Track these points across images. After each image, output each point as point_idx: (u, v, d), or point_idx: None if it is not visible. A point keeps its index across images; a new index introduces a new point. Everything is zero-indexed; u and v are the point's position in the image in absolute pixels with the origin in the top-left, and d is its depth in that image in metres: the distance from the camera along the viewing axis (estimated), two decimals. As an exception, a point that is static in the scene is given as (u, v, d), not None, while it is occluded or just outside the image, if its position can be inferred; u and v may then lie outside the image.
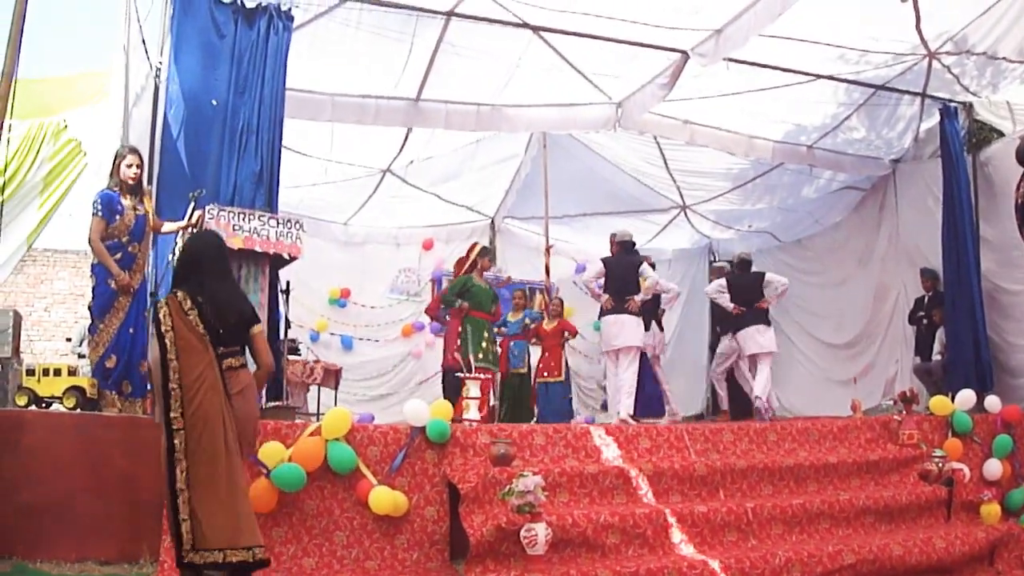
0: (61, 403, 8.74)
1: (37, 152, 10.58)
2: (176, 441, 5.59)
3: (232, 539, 5.56)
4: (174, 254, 8.81)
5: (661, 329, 13.87)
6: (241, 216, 8.22)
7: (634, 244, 12.26)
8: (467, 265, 11.97)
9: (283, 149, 9.79)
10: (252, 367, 6.42)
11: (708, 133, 13.55)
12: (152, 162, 9.26)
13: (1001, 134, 12.64)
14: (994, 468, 10.07)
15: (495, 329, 12.49)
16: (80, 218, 9.75)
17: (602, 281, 11.85)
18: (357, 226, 17.23)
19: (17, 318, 9.44)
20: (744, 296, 12.53)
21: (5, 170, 9.91)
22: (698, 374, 17.49)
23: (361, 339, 16.90)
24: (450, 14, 10.77)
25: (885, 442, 10.13)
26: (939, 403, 10.44)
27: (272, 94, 9.48)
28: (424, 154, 14.89)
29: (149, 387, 7.70)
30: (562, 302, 13.90)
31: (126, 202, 8.46)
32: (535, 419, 12.21)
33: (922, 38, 11.23)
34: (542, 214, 15.24)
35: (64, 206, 11.05)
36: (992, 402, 10.61)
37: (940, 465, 9.52)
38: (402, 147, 14.38)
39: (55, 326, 21.00)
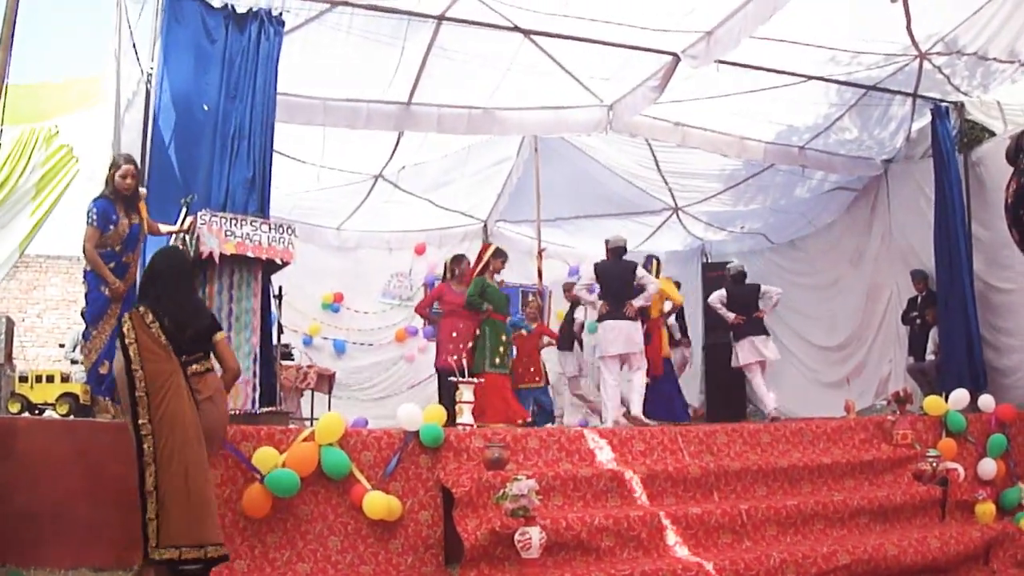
0: (54, 410, 8.72)
1: (29, 158, 10.54)
2: (145, 446, 5.80)
3: (194, 537, 5.78)
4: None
5: None
6: (233, 221, 8.21)
7: (626, 250, 12.23)
8: (481, 266, 11.89)
9: (276, 154, 9.78)
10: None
11: (699, 135, 13.56)
12: (144, 168, 9.23)
13: (992, 134, 12.68)
14: (988, 467, 10.09)
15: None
16: (73, 224, 9.74)
17: (596, 287, 11.91)
18: (349, 231, 17.23)
19: (10, 324, 9.41)
20: (742, 307, 12.82)
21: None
22: (692, 374, 17.46)
23: (354, 343, 16.89)
24: (441, 18, 10.76)
25: (879, 442, 10.14)
26: (933, 403, 10.46)
27: (264, 99, 9.46)
28: (416, 159, 14.88)
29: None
30: (540, 306, 13.93)
31: (120, 211, 8.42)
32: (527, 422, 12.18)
33: (913, 39, 11.25)
34: (534, 217, 15.24)
35: (57, 212, 11.03)
36: (986, 401, 10.62)
37: (934, 465, 9.53)
38: (393, 152, 14.37)
39: (48, 332, 20.97)
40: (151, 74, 9.56)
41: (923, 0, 10.42)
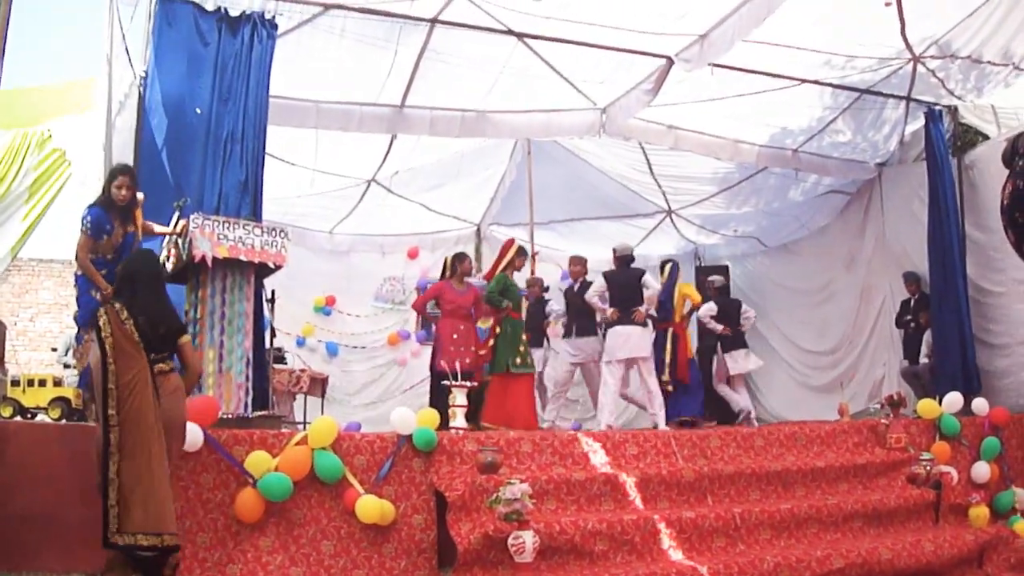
0: (46, 414, 8.73)
1: (22, 162, 10.53)
2: (112, 436, 5.96)
3: (152, 525, 5.97)
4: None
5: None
6: (226, 225, 8.19)
7: (633, 258, 12.35)
8: (504, 264, 11.81)
9: (269, 158, 9.77)
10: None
11: (693, 138, 13.55)
12: (136, 171, 9.21)
13: (986, 137, 12.68)
14: (982, 471, 10.10)
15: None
16: (65, 228, 9.73)
17: (606, 295, 11.94)
18: (342, 235, 17.20)
19: (1, 328, 9.41)
20: (727, 319, 13.29)
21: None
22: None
23: (346, 346, 16.87)
24: (434, 21, 10.75)
25: (873, 446, 10.16)
26: (926, 406, 10.48)
27: (256, 102, 9.46)
28: (408, 163, 14.86)
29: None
30: None
31: (115, 221, 8.38)
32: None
33: (907, 42, 11.25)
34: (528, 220, 15.23)
35: (49, 216, 11.02)
36: (979, 405, 10.64)
37: (928, 468, 9.54)
38: (385, 156, 14.36)
39: (40, 336, 20.91)
40: (144, 77, 9.53)
41: (917, 3, 10.42)
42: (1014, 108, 12.48)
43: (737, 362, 13.22)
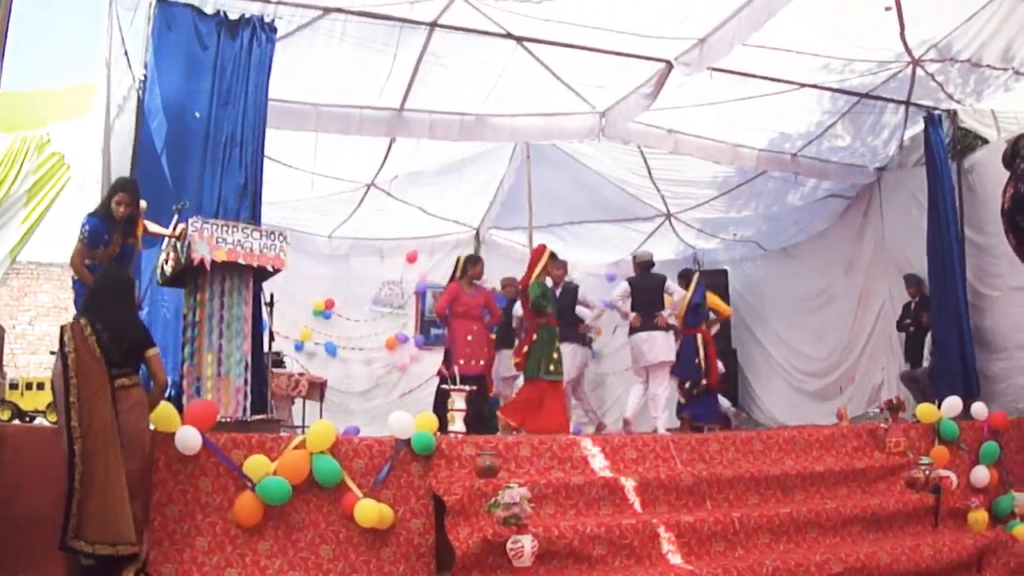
0: (44, 417, 8.72)
1: (20, 166, 10.52)
2: (75, 447, 6.28)
3: (108, 535, 6.27)
4: (157, 269, 8.81)
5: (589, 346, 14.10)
6: (225, 228, 8.16)
7: (654, 263, 12.62)
8: (539, 270, 11.78)
9: (268, 162, 9.77)
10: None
11: (692, 142, 13.55)
12: (134, 174, 9.21)
13: (986, 141, 12.68)
14: (981, 475, 10.08)
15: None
16: (64, 231, 9.74)
17: (628, 301, 12.16)
18: (341, 239, 17.18)
19: (0, 331, 9.40)
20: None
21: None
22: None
23: (345, 348, 16.84)
24: (434, 25, 10.75)
25: (872, 450, 10.14)
26: (925, 410, 10.46)
27: (256, 106, 9.45)
28: (408, 167, 14.85)
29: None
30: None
31: (114, 232, 8.36)
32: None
33: (906, 46, 11.25)
34: (526, 224, 15.23)
35: (48, 219, 11.01)
36: (978, 409, 10.62)
37: (927, 473, 9.53)
38: (384, 159, 14.34)
39: (39, 339, 20.89)
40: (143, 81, 9.53)
41: (916, 6, 10.41)
42: (1014, 112, 12.46)
43: None
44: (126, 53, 9.94)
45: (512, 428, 10.78)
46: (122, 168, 9.36)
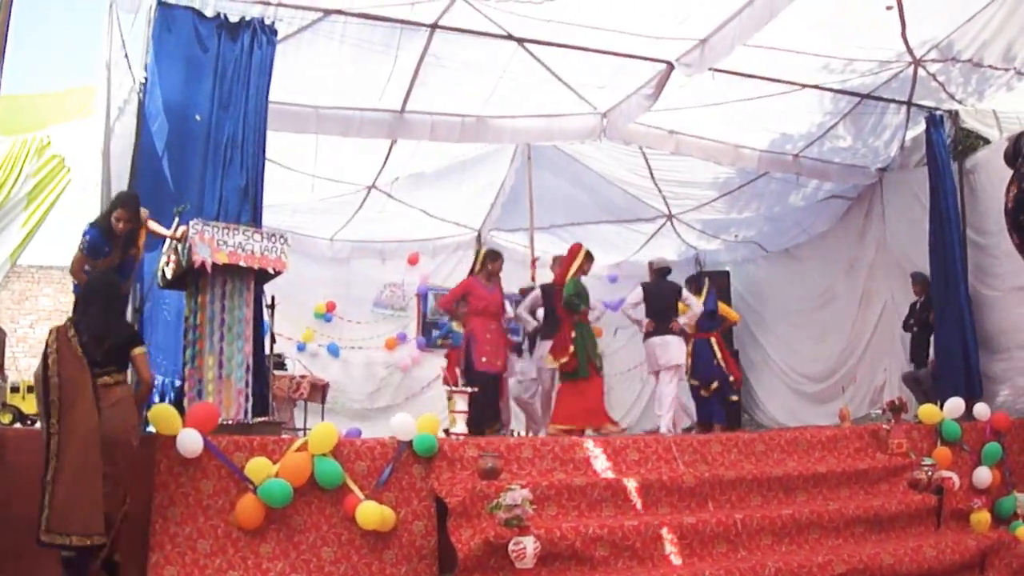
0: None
1: (21, 168, 10.52)
2: (52, 444, 6.46)
3: (79, 527, 6.40)
4: (158, 272, 8.81)
5: None
6: (226, 231, 8.16)
7: (670, 270, 12.83)
8: (575, 268, 11.76)
9: (269, 164, 9.76)
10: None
11: (693, 143, 13.55)
12: (135, 177, 9.21)
13: (987, 141, 12.66)
14: (983, 476, 10.07)
15: (440, 340, 12.61)
16: (64, 234, 9.75)
17: (642, 307, 12.30)
18: (342, 242, 17.16)
19: (1, 335, 9.39)
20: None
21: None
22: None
23: (347, 348, 16.83)
24: (434, 26, 10.74)
25: (874, 451, 10.12)
26: (928, 411, 10.45)
27: (256, 108, 9.45)
28: (409, 168, 14.84)
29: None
30: None
31: (114, 246, 8.37)
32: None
33: (907, 46, 11.23)
34: (528, 226, 15.22)
35: (48, 222, 11.01)
36: (981, 410, 10.60)
37: (929, 473, 9.52)
38: (385, 161, 14.32)
39: (40, 343, 20.75)
40: (143, 83, 9.52)
41: (918, 6, 10.39)
42: (1016, 112, 12.44)
43: None
44: (126, 55, 9.94)
45: (566, 431, 10.81)
46: (123, 170, 9.37)
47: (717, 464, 9.27)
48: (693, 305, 12.34)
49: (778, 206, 16.03)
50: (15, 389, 9.05)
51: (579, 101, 12.66)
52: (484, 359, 11.19)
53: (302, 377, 13.24)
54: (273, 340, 9.95)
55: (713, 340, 13.20)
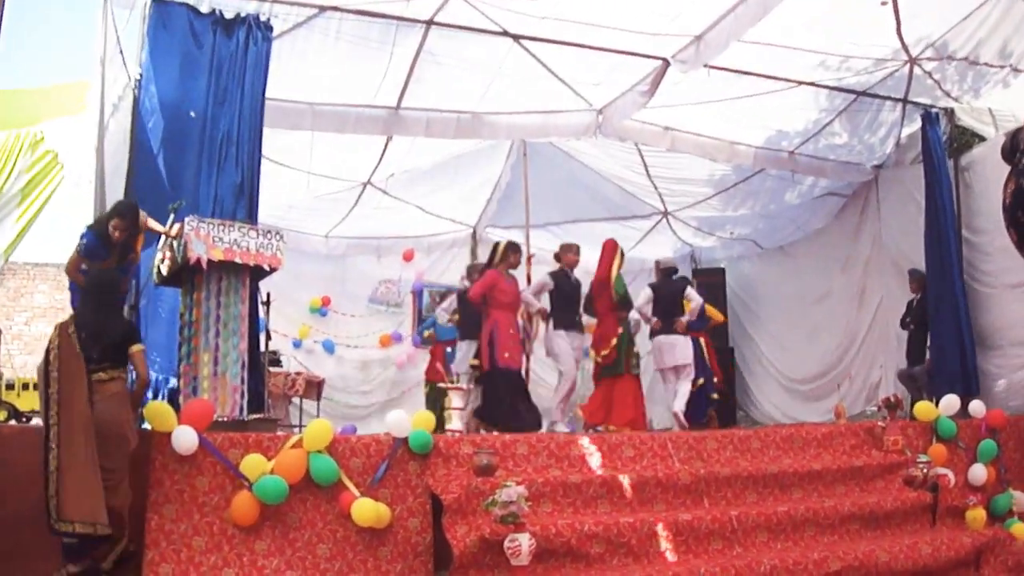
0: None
1: (14, 164, 10.50)
2: (51, 434, 6.56)
3: (85, 515, 6.52)
4: (153, 269, 8.80)
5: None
6: (221, 228, 8.15)
7: (676, 270, 13.04)
8: (615, 267, 11.77)
9: (264, 161, 9.74)
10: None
11: (689, 139, 13.54)
12: (130, 174, 9.20)
13: (983, 139, 12.66)
14: (979, 473, 10.07)
15: (427, 332, 12.59)
16: (59, 231, 9.74)
17: (650, 305, 12.43)
18: (337, 238, 17.19)
19: (-4, 332, 9.39)
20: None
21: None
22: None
23: (342, 344, 16.83)
24: (430, 23, 10.73)
25: (870, 448, 10.12)
26: (923, 408, 10.46)
27: (252, 105, 9.44)
28: (404, 165, 14.82)
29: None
30: None
31: (111, 251, 8.38)
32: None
33: (903, 44, 11.24)
34: (523, 222, 15.21)
35: (42, 218, 11.00)
36: (976, 407, 10.60)
37: (925, 471, 9.52)
38: (380, 158, 14.33)
39: (35, 340, 20.88)
40: (138, 79, 9.50)
41: (913, 4, 10.40)
42: (1011, 110, 12.45)
43: None
44: (121, 52, 9.92)
45: (594, 426, 10.84)
46: (118, 167, 9.36)
47: (712, 461, 9.26)
48: (694, 300, 12.41)
49: (773, 203, 16.03)
50: (10, 386, 9.03)
51: (575, 98, 12.65)
52: (507, 354, 11.04)
53: (297, 374, 13.23)
54: (268, 337, 9.94)
55: (702, 340, 13.47)
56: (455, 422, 9.28)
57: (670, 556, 7.82)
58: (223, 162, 9.21)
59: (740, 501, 8.83)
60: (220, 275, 8.25)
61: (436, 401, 12.01)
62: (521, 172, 14.84)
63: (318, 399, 13.56)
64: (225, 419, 7.99)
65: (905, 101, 12.78)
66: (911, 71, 11.95)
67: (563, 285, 11.94)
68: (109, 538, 6.79)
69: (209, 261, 8.00)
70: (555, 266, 12.19)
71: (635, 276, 16.48)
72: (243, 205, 9.18)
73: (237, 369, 8.20)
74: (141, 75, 9.43)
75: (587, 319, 12.21)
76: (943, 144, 12.68)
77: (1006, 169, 8.96)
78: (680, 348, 12.23)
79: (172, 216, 8.44)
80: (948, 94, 12.51)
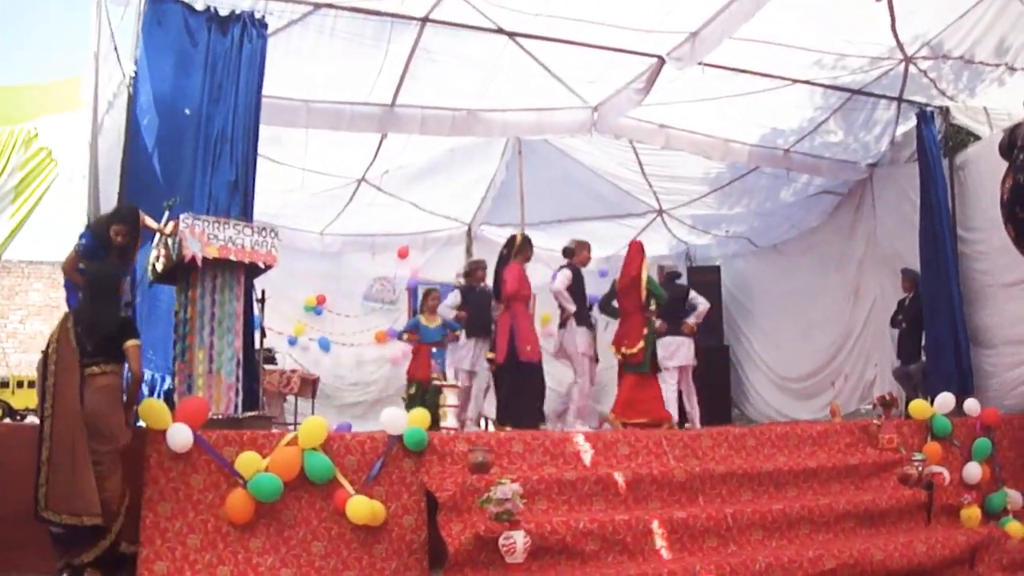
0: (36, 415, 8.68)
1: (7, 160, 10.48)
2: (44, 425, 6.81)
3: (70, 507, 6.70)
4: (149, 266, 8.79)
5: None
6: (216, 225, 8.14)
7: (680, 274, 13.48)
8: (645, 266, 11.72)
9: (259, 158, 9.73)
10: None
11: (684, 137, 13.52)
12: (125, 171, 9.18)
13: (978, 138, 12.68)
14: (974, 471, 10.09)
15: (407, 335, 12.62)
16: (54, 229, 9.73)
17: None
18: (332, 235, 17.16)
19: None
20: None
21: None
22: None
23: (337, 343, 16.82)
24: (425, 20, 10.71)
25: (864, 446, 10.14)
26: (918, 407, 10.48)
27: (247, 102, 9.42)
28: (399, 162, 14.81)
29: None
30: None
31: (110, 253, 8.36)
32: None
33: (898, 42, 11.23)
34: (518, 220, 15.20)
35: (37, 216, 10.97)
36: (971, 405, 10.62)
37: (920, 469, 9.55)
38: (375, 155, 14.30)
39: (30, 338, 20.88)
40: (133, 77, 9.48)
41: (908, 2, 10.40)
42: (1007, 109, 12.43)
43: None
44: (116, 49, 9.90)
45: (621, 423, 10.86)
46: (113, 165, 9.33)
47: (707, 459, 9.28)
48: (700, 304, 12.67)
49: (768, 202, 16.03)
50: (5, 384, 9.01)
51: (570, 95, 12.64)
52: (529, 347, 11.03)
53: (292, 371, 13.25)
54: (263, 334, 9.93)
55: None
56: (450, 419, 9.28)
57: (665, 553, 7.84)
58: (218, 160, 9.19)
59: (735, 499, 8.84)
60: (215, 273, 8.24)
61: (420, 400, 11.92)
62: (516, 170, 14.82)
63: (313, 396, 13.56)
64: (220, 417, 7.98)
65: (900, 99, 12.78)
66: (906, 69, 11.93)
67: (579, 282, 11.95)
68: (98, 530, 6.86)
69: (204, 259, 7.99)
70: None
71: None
72: (238, 202, 9.16)
73: (232, 367, 8.20)
74: (136, 72, 9.41)
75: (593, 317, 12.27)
76: (938, 143, 12.67)
77: (1002, 168, 8.94)
78: (684, 350, 12.51)
79: (167, 213, 8.42)
80: (943, 93, 12.50)
